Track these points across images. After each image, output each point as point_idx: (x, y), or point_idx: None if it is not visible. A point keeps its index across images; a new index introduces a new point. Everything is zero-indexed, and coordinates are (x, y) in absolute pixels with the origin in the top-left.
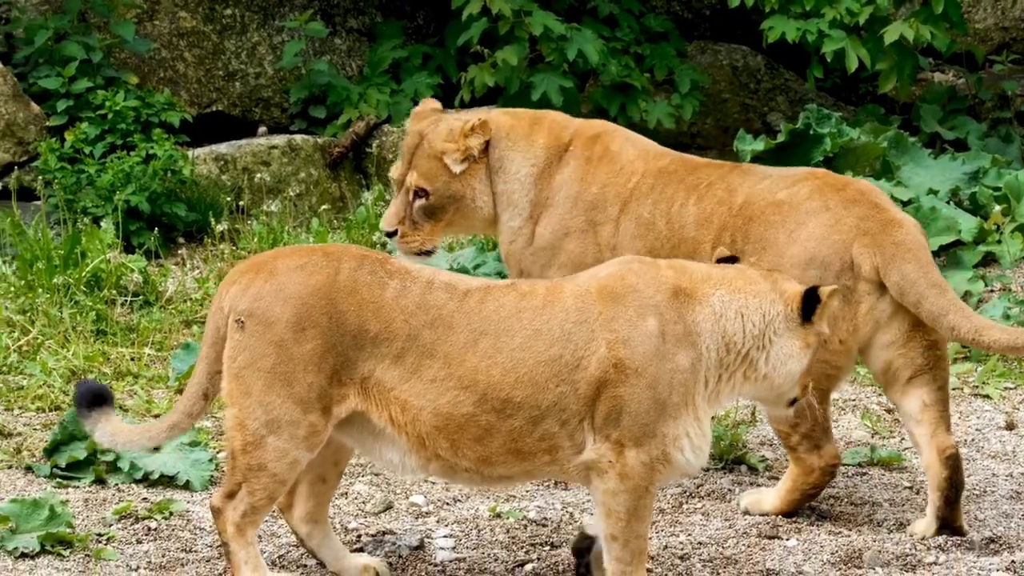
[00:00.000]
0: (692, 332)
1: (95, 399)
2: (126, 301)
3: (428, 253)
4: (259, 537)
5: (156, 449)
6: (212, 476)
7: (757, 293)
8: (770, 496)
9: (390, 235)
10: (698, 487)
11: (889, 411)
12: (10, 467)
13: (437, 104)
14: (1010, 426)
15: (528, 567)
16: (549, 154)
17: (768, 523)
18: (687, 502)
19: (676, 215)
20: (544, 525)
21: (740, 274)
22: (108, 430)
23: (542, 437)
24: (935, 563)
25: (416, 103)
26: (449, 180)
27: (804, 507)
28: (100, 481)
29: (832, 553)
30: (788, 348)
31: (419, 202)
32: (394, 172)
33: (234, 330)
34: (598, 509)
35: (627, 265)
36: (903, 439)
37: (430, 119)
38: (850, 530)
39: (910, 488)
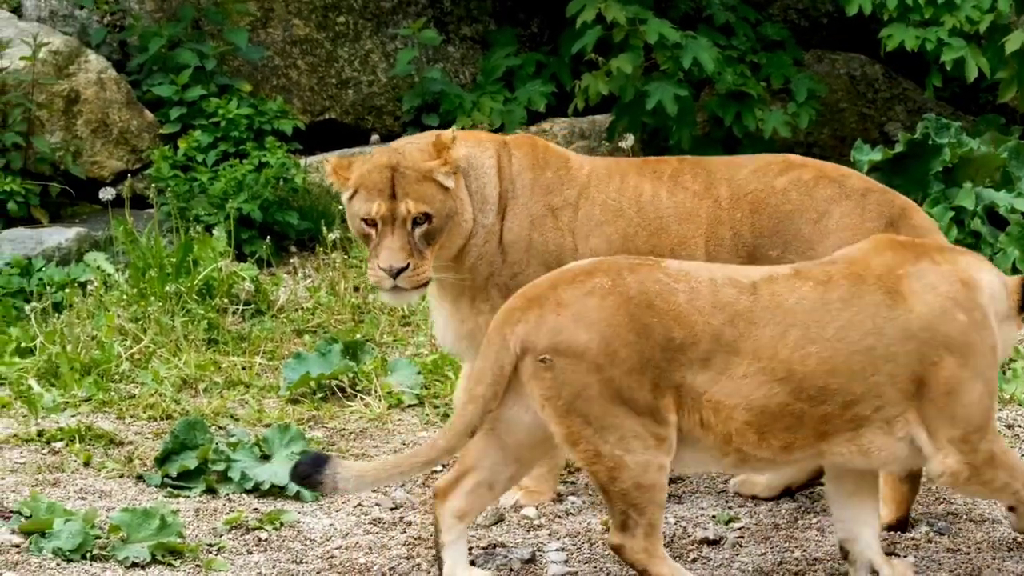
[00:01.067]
0: (986, 316)
1: (317, 463)
2: (238, 310)
3: (426, 284)
4: (369, 548)
5: (266, 458)
6: None
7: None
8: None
9: (400, 271)
10: (813, 503)
11: (1010, 427)
12: (121, 476)
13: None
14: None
15: None
16: (498, 148)
17: (885, 539)
18: (802, 517)
19: (649, 205)
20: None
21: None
22: (352, 474)
23: (851, 419)
24: None
25: (529, 111)
26: (444, 198)
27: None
28: (211, 491)
29: (951, 571)
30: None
31: (420, 229)
32: (373, 212)
33: (540, 370)
34: (988, 495)
35: (904, 252)
36: None
37: (376, 155)
38: (969, 548)
39: None
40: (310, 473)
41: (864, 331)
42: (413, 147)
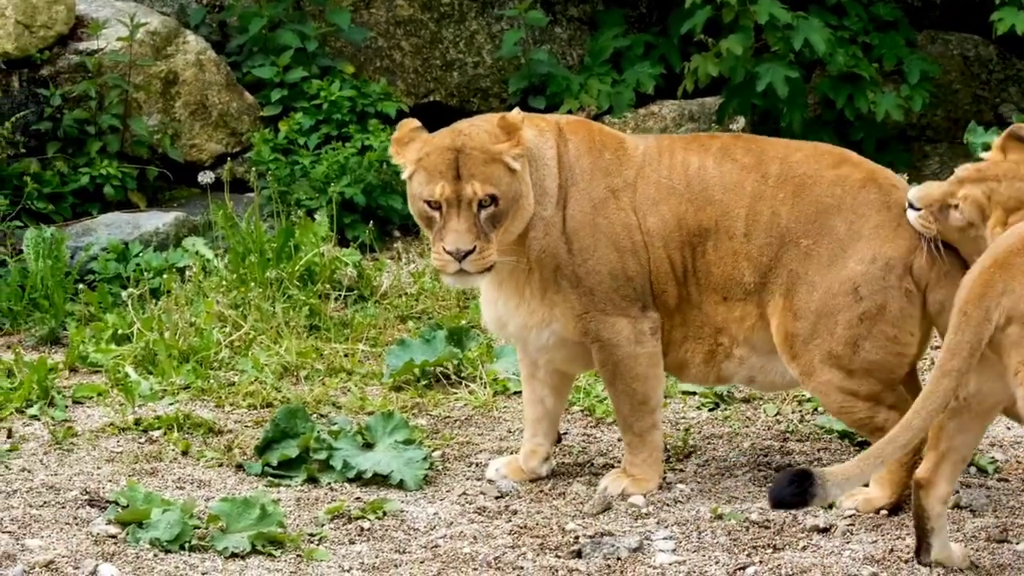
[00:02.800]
0: None
1: (798, 482)
2: (340, 296)
3: (491, 268)
4: (474, 538)
5: (369, 447)
6: (427, 475)
7: None
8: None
9: (466, 255)
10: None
11: None
12: (220, 465)
13: (416, 122)
14: None
15: (750, 570)
16: (556, 135)
17: (998, 527)
18: (907, 504)
19: (695, 177)
20: (767, 527)
21: None
22: (838, 479)
23: None
24: None
25: (638, 93)
26: (511, 181)
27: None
28: (312, 480)
29: None
30: None
31: (486, 212)
32: (437, 193)
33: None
34: None
35: None
36: None
37: (438, 136)
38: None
39: None
40: (795, 494)
41: None
42: (478, 128)
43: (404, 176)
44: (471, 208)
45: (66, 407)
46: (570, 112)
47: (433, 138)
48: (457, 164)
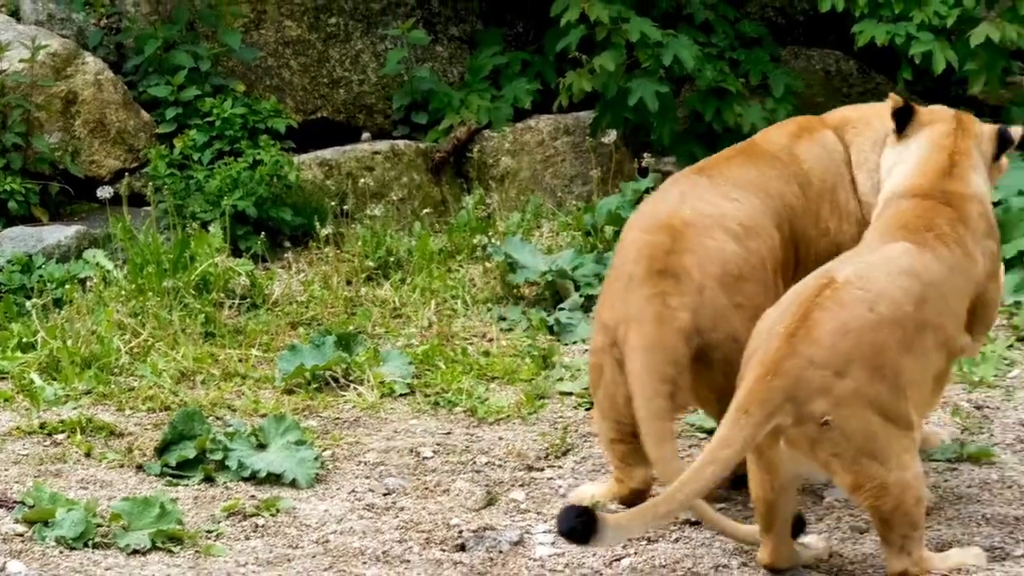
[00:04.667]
0: None
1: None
2: (234, 304)
3: None
4: (363, 533)
5: (262, 447)
6: (318, 474)
7: None
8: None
9: None
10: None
11: (979, 408)
12: (122, 466)
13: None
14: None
15: (625, 562)
16: None
17: (861, 519)
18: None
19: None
20: None
21: None
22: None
23: None
24: None
25: (516, 108)
26: None
27: None
28: (209, 479)
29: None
30: None
31: None
32: None
33: (823, 432)
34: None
35: None
36: (992, 435)
37: None
38: (939, 523)
39: (1000, 483)
40: (573, 528)
41: None
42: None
43: None
44: None
45: None
46: (451, 127)
47: None
48: None
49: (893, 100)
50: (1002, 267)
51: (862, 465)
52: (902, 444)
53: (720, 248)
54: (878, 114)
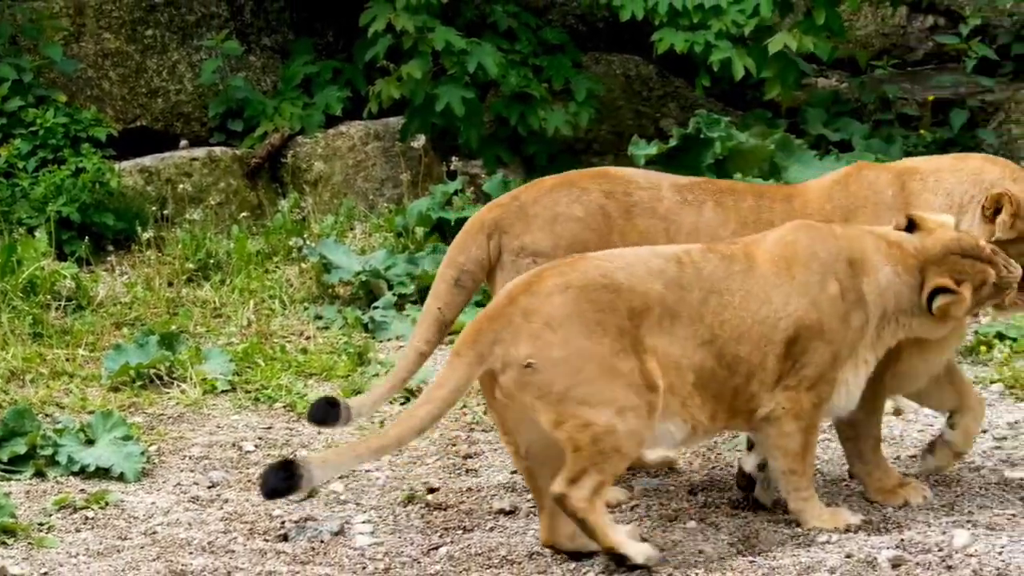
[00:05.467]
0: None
1: (285, 469)
2: (60, 305)
3: None
4: (189, 524)
5: (91, 443)
6: (144, 468)
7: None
8: None
9: None
10: None
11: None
12: None
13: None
14: (897, 412)
15: (442, 550)
16: None
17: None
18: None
19: None
20: (456, 508)
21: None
22: (320, 464)
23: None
24: (828, 542)
25: (327, 115)
26: None
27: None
28: (40, 474)
29: (730, 534)
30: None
31: None
32: None
33: (527, 375)
34: (773, 451)
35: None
36: None
37: None
38: (747, 512)
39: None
40: (284, 481)
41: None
42: None
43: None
44: None
45: None
46: (265, 134)
47: None
48: None
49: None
50: (869, 359)
51: (566, 406)
52: (627, 399)
53: None
54: None
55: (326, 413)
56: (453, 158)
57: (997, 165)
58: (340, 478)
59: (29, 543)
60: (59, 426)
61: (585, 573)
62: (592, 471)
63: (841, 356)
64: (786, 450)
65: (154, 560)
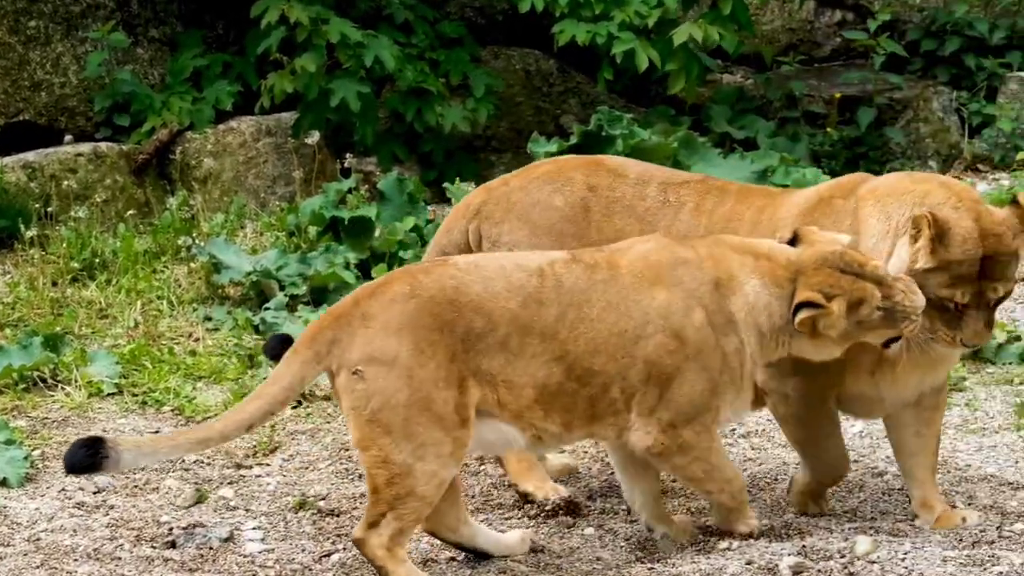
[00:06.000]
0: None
1: (91, 446)
2: None
3: None
4: (74, 531)
5: None
6: (28, 473)
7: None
8: None
9: None
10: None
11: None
12: None
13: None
14: None
15: (335, 557)
16: None
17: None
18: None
19: None
20: (349, 515)
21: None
22: (131, 448)
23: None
24: (728, 548)
25: (217, 110)
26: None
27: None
28: None
29: (628, 540)
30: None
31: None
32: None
33: (353, 382)
34: (683, 481)
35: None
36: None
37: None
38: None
39: None
40: (87, 458)
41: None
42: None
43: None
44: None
45: None
46: (153, 129)
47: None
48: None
49: None
50: (747, 389)
51: (372, 428)
52: (430, 435)
53: None
54: None
55: (281, 350)
56: (347, 155)
57: (947, 189)
58: (229, 483)
59: None
60: None
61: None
62: (391, 516)
63: (720, 383)
64: (692, 478)
65: (38, 567)
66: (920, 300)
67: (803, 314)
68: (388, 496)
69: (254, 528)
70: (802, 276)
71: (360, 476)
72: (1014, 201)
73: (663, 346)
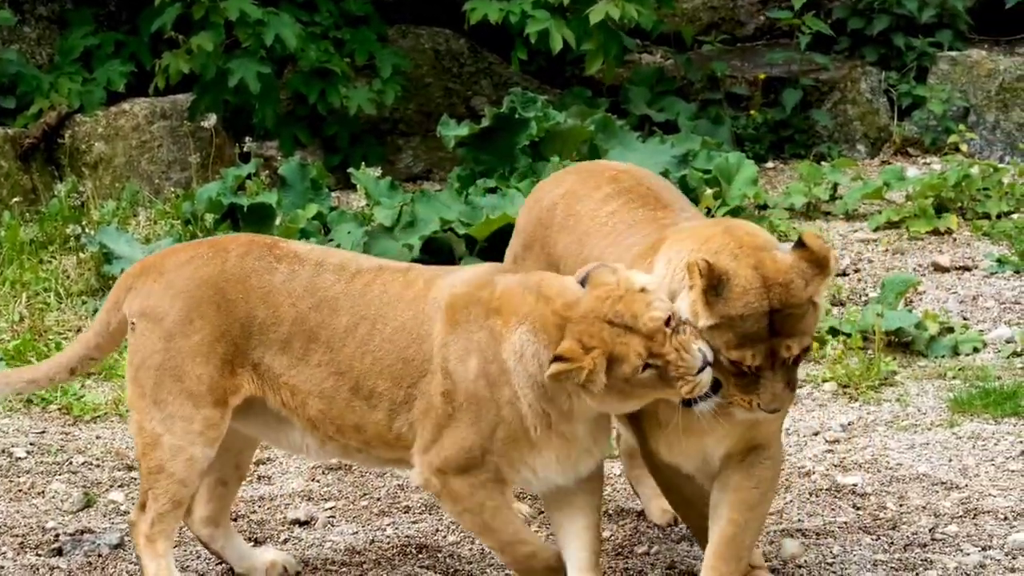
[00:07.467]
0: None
1: None
2: None
3: None
4: None
5: None
6: None
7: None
8: None
9: None
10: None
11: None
12: None
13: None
14: None
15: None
16: None
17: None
18: (393, 496)
19: None
20: (249, 519)
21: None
22: None
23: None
24: (647, 553)
25: (109, 91)
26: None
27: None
28: None
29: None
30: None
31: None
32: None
33: (131, 333)
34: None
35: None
36: None
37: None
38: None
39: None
40: None
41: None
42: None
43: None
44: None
45: None
46: (41, 112)
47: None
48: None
49: None
50: (549, 448)
51: (133, 389)
52: (180, 407)
53: None
54: None
55: None
56: (247, 139)
57: (729, 235)
58: (119, 486)
59: None
60: None
61: None
62: (150, 496)
63: (495, 440)
64: (469, 529)
65: None
66: (695, 360)
67: (553, 368)
68: (145, 469)
69: None
70: (569, 324)
71: (259, 478)
72: (799, 243)
73: (440, 385)
